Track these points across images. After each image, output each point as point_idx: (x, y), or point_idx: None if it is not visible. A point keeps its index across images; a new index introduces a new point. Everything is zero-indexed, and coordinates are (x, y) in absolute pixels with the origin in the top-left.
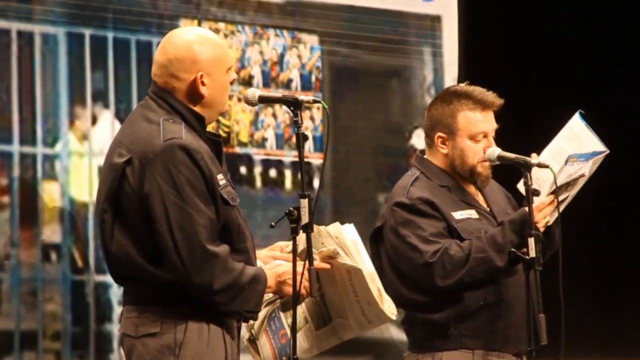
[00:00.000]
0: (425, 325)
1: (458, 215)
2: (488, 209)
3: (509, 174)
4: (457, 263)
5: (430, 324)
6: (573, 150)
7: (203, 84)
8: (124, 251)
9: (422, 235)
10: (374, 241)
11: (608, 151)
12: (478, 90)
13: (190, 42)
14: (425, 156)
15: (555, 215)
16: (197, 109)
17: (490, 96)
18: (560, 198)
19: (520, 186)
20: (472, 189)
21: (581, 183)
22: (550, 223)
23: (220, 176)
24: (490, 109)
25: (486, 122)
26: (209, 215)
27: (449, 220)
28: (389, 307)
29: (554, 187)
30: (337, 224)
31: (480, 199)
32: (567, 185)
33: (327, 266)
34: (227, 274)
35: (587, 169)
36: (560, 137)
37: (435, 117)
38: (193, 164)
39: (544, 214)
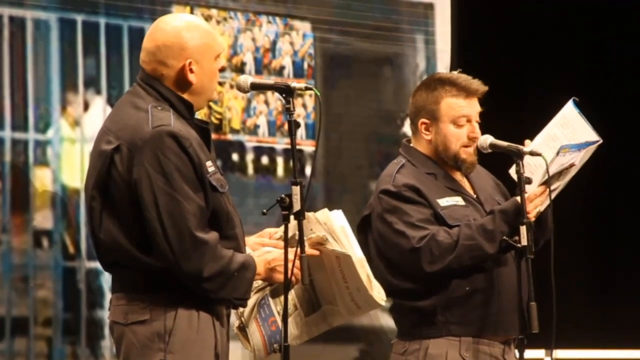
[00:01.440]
0: (413, 313)
1: (444, 202)
2: (475, 196)
3: (499, 159)
4: (445, 249)
5: (417, 311)
6: (566, 137)
7: (191, 71)
8: (113, 238)
9: (409, 221)
10: (362, 229)
11: (601, 141)
12: (462, 78)
13: (179, 28)
14: (411, 144)
15: (547, 203)
16: (185, 96)
17: (475, 83)
18: (552, 187)
19: (512, 172)
20: (458, 175)
21: (573, 172)
22: (541, 212)
23: (209, 163)
24: (474, 96)
25: (469, 107)
26: (197, 202)
27: (434, 207)
28: (378, 293)
29: (546, 177)
30: (326, 210)
31: (466, 185)
32: (559, 174)
33: (316, 252)
34: (217, 261)
35: (578, 159)
36: (553, 125)
37: (419, 104)
38: (181, 151)
39: (535, 204)
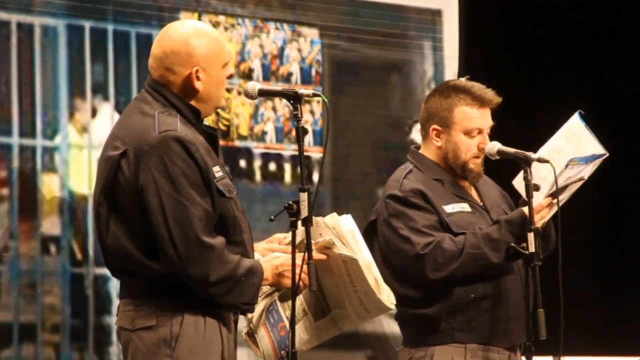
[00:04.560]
0: (417, 320)
1: (449, 208)
2: (481, 203)
3: (505, 168)
4: (450, 257)
5: (421, 318)
6: (571, 150)
7: (198, 78)
8: (120, 244)
9: (415, 227)
10: (368, 235)
11: (607, 154)
12: (477, 87)
13: (187, 35)
14: (420, 150)
15: (552, 213)
16: (192, 102)
17: (489, 94)
18: (559, 198)
19: (516, 182)
20: (465, 183)
21: (579, 184)
22: (546, 224)
23: (216, 168)
24: (488, 106)
25: (482, 118)
26: (204, 207)
27: (440, 214)
28: (388, 297)
29: (554, 189)
30: (334, 214)
31: (473, 192)
32: (566, 186)
33: (323, 257)
34: (223, 266)
35: (586, 172)
36: (558, 137)
37: (431, 109)
38: (188, 155)
39: (541, 215)
